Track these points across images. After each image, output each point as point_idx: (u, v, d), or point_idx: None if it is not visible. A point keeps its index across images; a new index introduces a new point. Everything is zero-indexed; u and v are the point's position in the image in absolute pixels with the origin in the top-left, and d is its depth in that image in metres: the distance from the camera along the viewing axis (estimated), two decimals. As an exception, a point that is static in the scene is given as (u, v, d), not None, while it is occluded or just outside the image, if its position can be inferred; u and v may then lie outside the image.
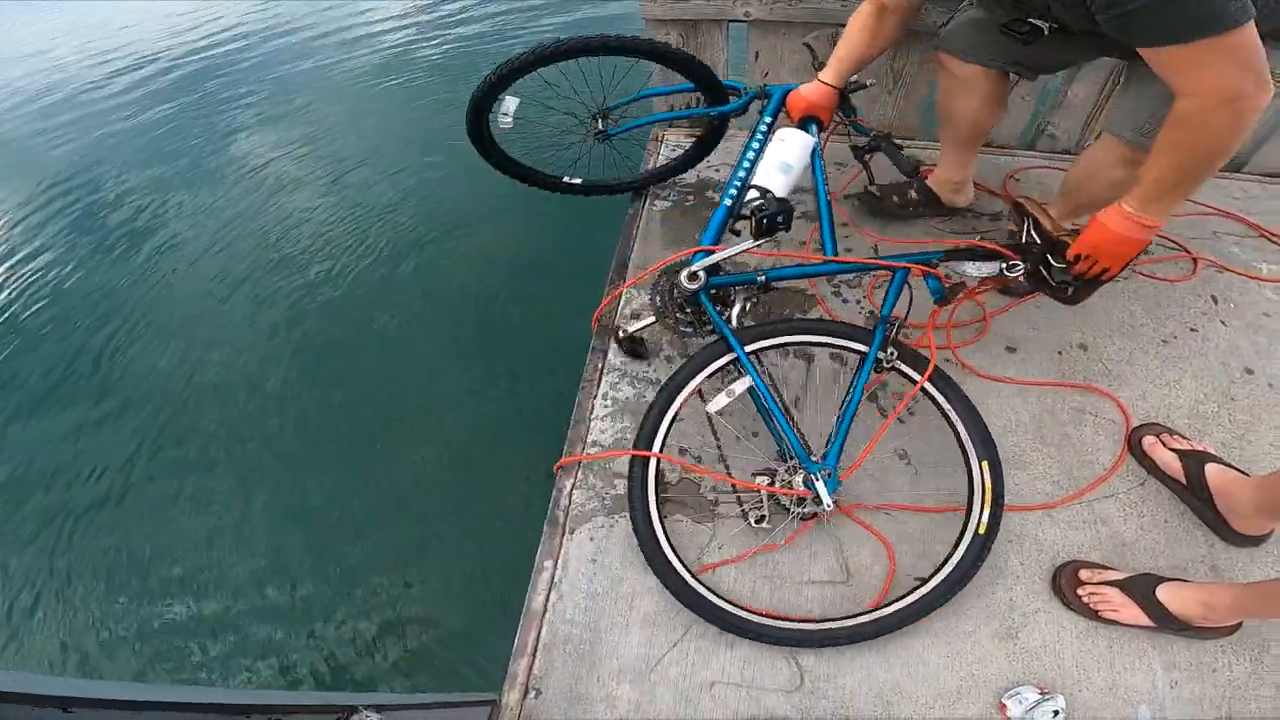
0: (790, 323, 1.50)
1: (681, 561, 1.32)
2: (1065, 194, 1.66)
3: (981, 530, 1.28)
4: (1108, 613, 1.27)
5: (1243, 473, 1.37)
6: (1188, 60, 1.02)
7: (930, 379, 1.36)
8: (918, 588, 1.28)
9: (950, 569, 1.27)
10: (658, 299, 1.53)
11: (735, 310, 1.45)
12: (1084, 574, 1.31)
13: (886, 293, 1.41)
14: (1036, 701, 1.20)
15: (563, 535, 1.43)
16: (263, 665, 2.02)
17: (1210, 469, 1.37)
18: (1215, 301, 1.77)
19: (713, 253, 1.44)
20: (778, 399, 1.40)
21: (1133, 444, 1.50)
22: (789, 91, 1.69)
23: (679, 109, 2.17)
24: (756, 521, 1.39)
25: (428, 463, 2.38)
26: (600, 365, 1.68)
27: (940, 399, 1.37)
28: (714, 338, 1.43)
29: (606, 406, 1.61)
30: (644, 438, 1.39)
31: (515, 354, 2.64)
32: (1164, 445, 1.45)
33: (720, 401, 1.35)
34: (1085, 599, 1.29)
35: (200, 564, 2.24)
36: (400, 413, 2.57)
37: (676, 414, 1.40)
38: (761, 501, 1.40)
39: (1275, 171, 2.15)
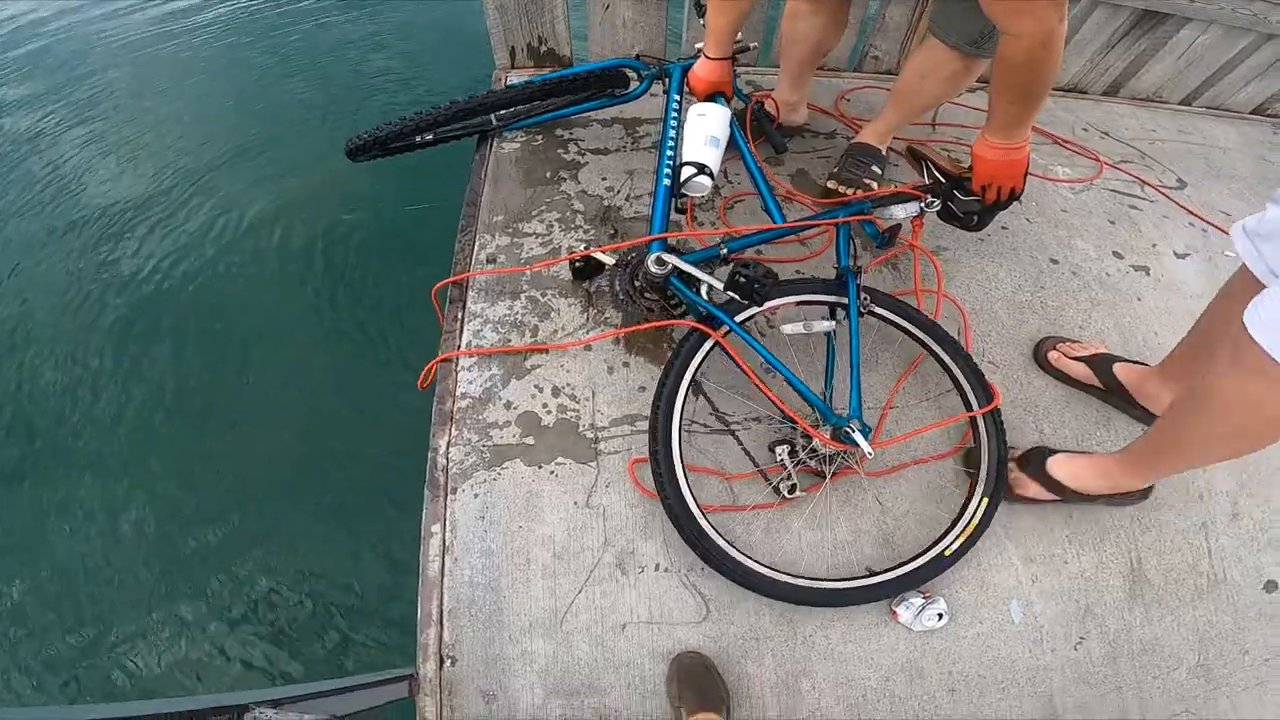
0: (779, 287, 1.45)
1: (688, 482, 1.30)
2: (898, 101, 1.80)
3: (948, 553, 1.32)
4: (1018, 489, 1.40)
5: (1140, 363, 1.55)
6: (1017, 6, 1.12)
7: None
8: (893, 569, 1.31)
9: (896, 574, 1.30)
10: (617, 289, 1.51)
11: (706, 287, 1.38)
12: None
13: (837, 247, 1.50)
14: (922, 606, 1.30)
15: (446, 495, 1.37)
16: (155, 670, 1.87)
17: (1118, 368, 1.54)
18: (1020, 202, 1.99)
19: (666, 240, 1.46)
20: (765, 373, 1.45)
21: (1040, 360, 1.65)
22: (687, 69, 1.73)
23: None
24: (789, 492, 1.39)
25: (294, 438, 2.24)
26: (460, 315, 1.61)
27: (982, 428, 1.43)
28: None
29: (471, 358, 1.56)
30: (660, 425, 1.31)
31: (371, 311, 2.51)
32: (1068, 356, 1.60)
33: (795, 329, 1.39)
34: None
35: (72, 580, 2.01)
36: (255, 389, 2.38)
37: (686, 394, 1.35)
38: (789, 472, 1.38)
39: (1062, 87, 2.47)
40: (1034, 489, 1.40)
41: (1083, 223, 1.98)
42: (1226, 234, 1.96)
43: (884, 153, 1.91)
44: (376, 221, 2.84)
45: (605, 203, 1.86)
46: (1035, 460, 1.40)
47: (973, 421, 1.43)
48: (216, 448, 2.27)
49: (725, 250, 1.44)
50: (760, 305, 1.40)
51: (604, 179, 1.91)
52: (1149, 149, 2.30)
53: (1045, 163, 2.16)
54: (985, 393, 1.43)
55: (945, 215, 1.58)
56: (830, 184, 1.88)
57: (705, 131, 1.51)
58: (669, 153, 1.56)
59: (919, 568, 1.31)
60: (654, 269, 1.37)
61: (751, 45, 1.85)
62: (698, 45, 1.74)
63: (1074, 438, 1.57)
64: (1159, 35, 2.26)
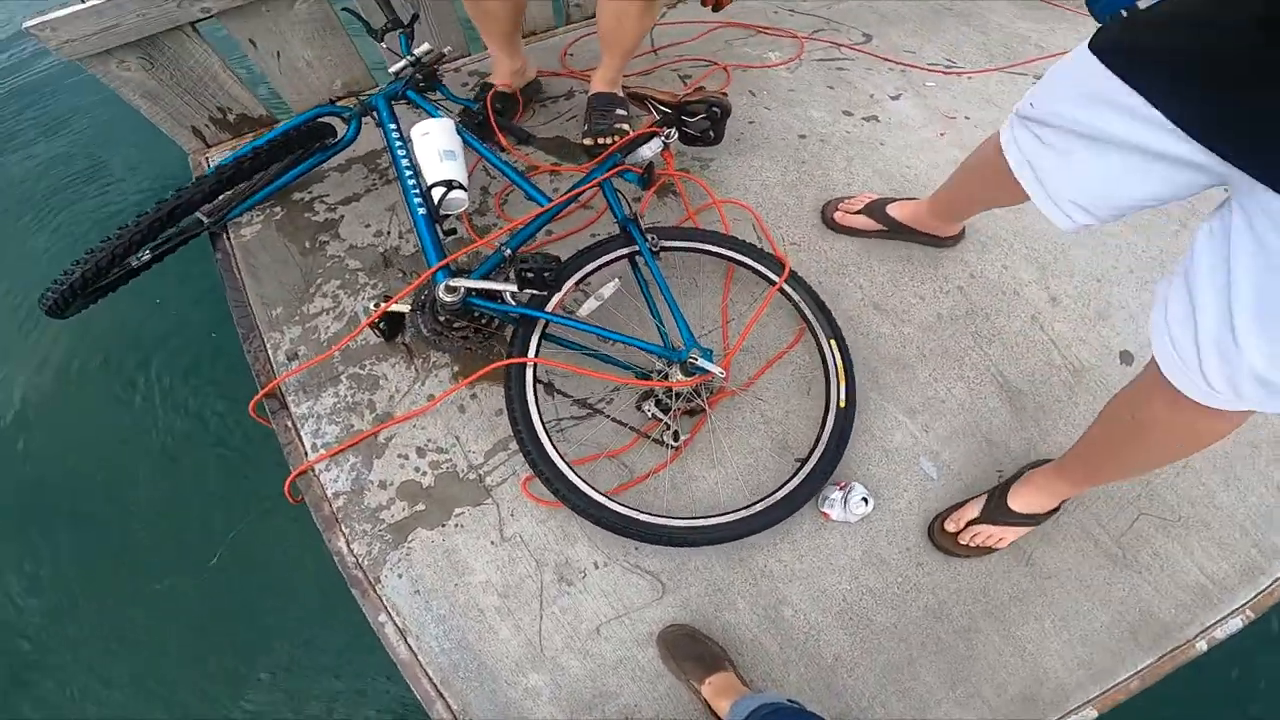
0: (566, 265, 1.47)
1: (583, 479, 1.33)
2: (608, 46, 1.84)
3: (843, 404, 1.43)
4: (997, 544, 1.36)
5: (908, 199, 1.72)
6: None
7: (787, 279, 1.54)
8: (800, 468, 1.39)
9: (821, 448, 1.40)
10: (424, 331, 1.43)
11: (509, 289, 1.37)
12: (949, 524, 1.38)
13: (609, 204, 1.54)
14: (844, 497, 1.36)
15: (372, 586, 1.34)
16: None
17: (891, 209, 1.71)
18: (754, 95, 2.18)
19: (448, 266, 1.41)
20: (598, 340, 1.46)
21: (828, 221, 1.80)
22: (391, 96, 1.67)
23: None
24: (675, 440, 1.42)
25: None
26: (290, 424, 1.50)
27: (792, 294, 1.54)
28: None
29: (323, 452, 1.47)
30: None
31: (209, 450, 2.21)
32: (849, 213, 1.76)
33: (590, 305, 1.41)
34: (970, 543, 1.36)
35: None
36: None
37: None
38: (668, 423, 1.42)
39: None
40: (1009, 534, 1.36)
41: (808, 96, 2.18)
42: (920, 69, 2.30)
43: (621, 94, 1.96)
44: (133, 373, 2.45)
45: (380, 249, 1.77)
46: (996, 509, 1.35)
47: (783, 292, 1.56)
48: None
49: (509, 251, 1.45)
50: (560, 289, 1.43)
51: (367, 225, 1.82)
52: (830, 14, 2.56)
53: (758, 53, 2.35)
54: (776, 264, 1.57)
55: (686, 139, 1.72)
56: (587, 141, 1.92)
57: (436, 148, 1.48)
58: (411, 182, 1.52)
59: (833, 430, 1.41)
60: (447, 299, 1.36)
61: (445, 50, 1.83)
62: (393, 68, 1.71)
63: (885, 283, 1.72)
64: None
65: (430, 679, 1.27)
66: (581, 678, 1.28)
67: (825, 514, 1.41)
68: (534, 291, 1.36)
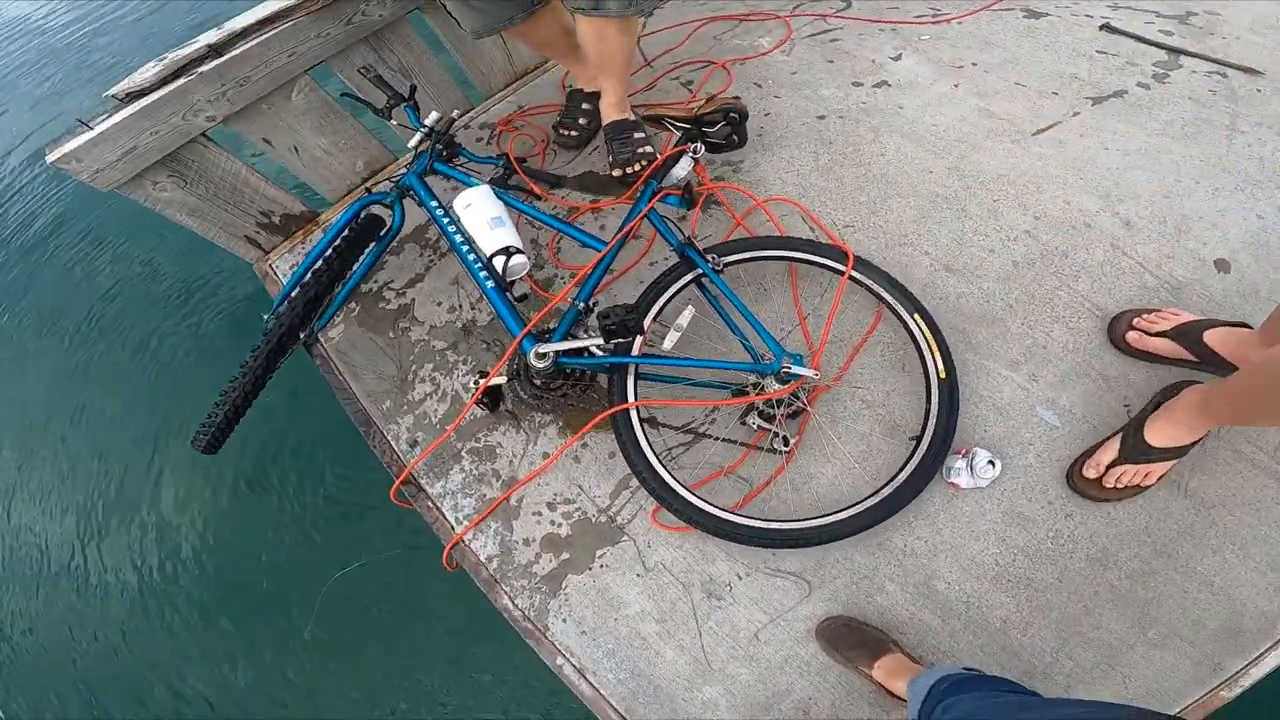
0: (640, 303, 1.56)
1: (708, 501, 1.42)
2: (602, 72, 1.87)
3: (943, 374, 1.45)
4: (1144, 482, 1.33)
5: (1240, 325, 1.37)
6: None
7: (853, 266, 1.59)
8: (916, 445, 1.43)
9: (934, 420, 1.43)
10: (524, 397, 1.54)
11: (594, 344, 1.47)
12: (1088, 470, 1.37)
13: (659, 232, 1.62)
14: (968, 464, 1.38)
15: (544, 634, 1.46)
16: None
17: (1211, 336, 1.37)
18: (760, 86, 2.23)
19: (531, 333, 1.50)
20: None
21: (1118, 342, 1.52)
22: (422, 173, 1.75)
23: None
24: (785, 445, 1.49)
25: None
26: (430, 505, 1.62)
27: (863, 278, 1.59)
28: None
29: (466, 524, 1.60)
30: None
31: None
32: (1149, 334, 1.46)
33: (672, 338, 1.44)
34: (1116, 485, 1.34)
35: None
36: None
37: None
38: (775, 431, 1.48)
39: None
40: (1156, 469, 1.33)
41: (812, 75, 2.23)
42: (909, 24, 2.33)
43: (634, 118, 1.99)
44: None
45: (457, 324, 1.87)
46: (1134, 447, 1.32)
47: (853, 279, 1.61)
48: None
49: (582, 305, 1.54)
50: (642, 332, 1.51)
51: (439, 304, 1.92)
52: (810, -19, 2.61)
53: (748, 42, 2.39)
54: (838, 253, 1.63)
55: (713, 149, 1.78)
56: (615, 173, 1.98)
57: (484, 218, 1.56)
58: (471, 256, 1.59)
59: (940, 402, 1.44)
60: (539, 365, 1.45)
61: (454, 114, 1.90)
62: (410, 144, 1.79)
63: (950, 244, 1.75)
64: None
65: (615, 709, 1.38)
66: (752, 683, 1.37)
67: (954, 484, 1.43)
68: (618, 341, 1.44)
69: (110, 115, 1.72)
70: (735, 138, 1.78)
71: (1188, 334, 1.40)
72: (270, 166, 2.15)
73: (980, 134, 1.97)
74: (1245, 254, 1.62)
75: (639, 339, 1.53)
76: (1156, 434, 1.30)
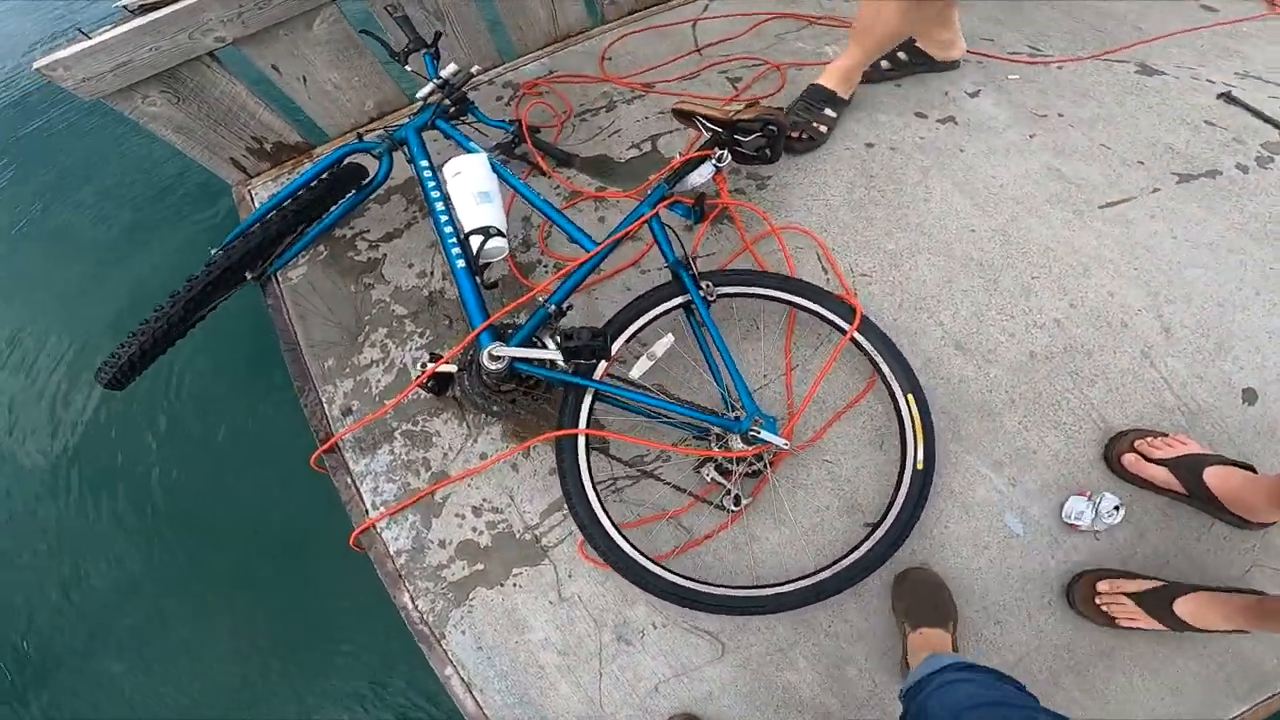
0: (614, 322, 1.55)
1: (636, 548, 1.41)
2: (856, 39, 1.93)
3: (920, 465, 1.44)
4: (1124, 620, 1.34)
5: (1244, 466, 1.37)
6: None
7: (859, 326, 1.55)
8: (870, 533, 1.43)
9: (896, 512, 1.42)
10: (471, 393, 1.51)
11: (554, 358, 1.42)
12: (1102, 586, 1.37)
13: (657, 243, 1.57)
14: (1092, 507, 1.44)
15: (438, 641, 1.48)
16: None
17: (1210, 474, 1.37)
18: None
19: (494, 326, 1.48)
20: (660, 393, 1.52)
21: (1113, 465, 1.51)
22: (421, 127, 1.73)
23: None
24: (736, 504, 1.47)
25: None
26: (350, 481, 1.63)
27: (865, 342, 1.55)
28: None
29: (383, 510, 1.60)
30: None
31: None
32: (1147, 459, 1.45)
33: (643, 365, 1.43)
34: (1107, 609, 1.36)
35: None
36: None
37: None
38: (729, 488, 1.46)
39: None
40: (1154, 625, 1.33)
41: (873, 96, 2.16)
42: (1000, 60, 2.24)
43: (844, 96, 2.03)
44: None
45: (424, 292, 1.88)
46: (1160, 608, 1.31)
47: (854, 341, 1.56)
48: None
49: (553, 306, 1.50)
50: (607, 358, 1.48)
51: (410, 265, 1.92)
52: (900, -8, 2.53)
53: (813, 48, 2.33)
54: (845, 308, 1.57)
55: (741, 159, 1.73)
56: (793, 134, 1.97)
57: (471, 190, 1.53)
58: (448, 229, 1.56)
59: (909, 494, 1.43)
60: (491, 366, 1.42)
61: (474, 69, 1.88)
62: (420, 94, 1.79)
63: (969, 318, 1.71)
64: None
65: None
66: (637, 734, 1.38)
67: (1073, 525, 1.46)
68: (579, 363, 1.43)
69: (115, 27, 1.73)
70: (769, 151, 1.72)
71: (1187, 466, 1.40)
72: (268, 93, 2.15)
73: (1041, 197, 1.91)
74: (1276, 388, 1.58)
75: (603, 362, 1.51)
76: (1189, 610, 1.28)
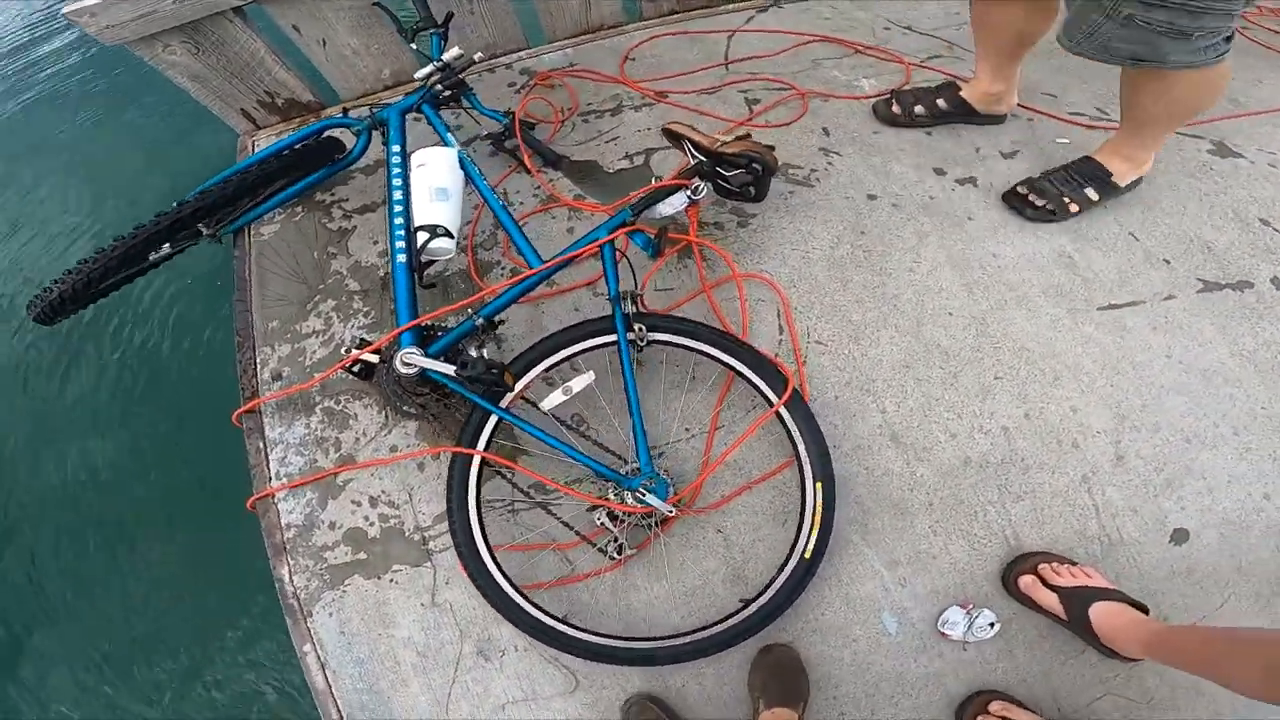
0: (531, 350, 1.54)
1: (506, 577, 1.42)
2: (1136, 126, 1.77)
3: (808, 555, 1.42)
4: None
5: (1137, 605, 1.35)
6: None
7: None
8: (742, 609, 1.42)
9: (771, 594, 1.42)
10: (389, 393, 1.55)
11: (449, 371, 1.44)
12: (994, 706, 1.35)
13: (603, 269, 1.54)
14: (967, 620, 1.44)
15: (304, 619, 1.54)
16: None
17: (1096, 610, 1.35)
18: (828, 134, 2.10)
19: (419, 328, 1.50)
20: (559, 434, 1.51)
21: (1008, 584, 1.48)
22: (405, 110, 1.75)
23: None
24: (619, 553, 1.49)
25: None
26: (261, 446, 1.69)
27: (789, 419, 1.51)
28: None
29: (284, 482, 1.66)
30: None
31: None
32: (1044, 584, 1.42)
33: (555, 399, 1.45)
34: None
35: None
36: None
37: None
38: (615, 536, 1.48)
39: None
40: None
41: (895, 143, 2.07)
42: (1057, 119, 2.10)
43: (1121, 184, 1.86)
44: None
45: (380, 272, 1.91)
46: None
47: (778, 416, 1.52)
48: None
49: (480, 320, 1.49)
50: (511, 389, 1.47)
51: (376, 243, 1.96)
52: (956, 36, 2.39)
53: (849, 78, 2.24)
54: (780, 381, 1.52)
55: (723, 194, 1.69)
56: (1021, 189, 1.90)
57: (428, 185, 1.55)
58: (398, 219, 1.57)
59: (788, 580, 1.43)
60: (402, 370, 1.43)
61: (476, 56, 1.89)
62: (418, 74, 1.81)
63: (916, 409, 1.65)
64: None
65: (339, 710, 1.46)
66: (472, 748, 1.42)
67: (945, 634, 1.45)
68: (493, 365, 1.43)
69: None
70: (753, 190, 1.69)
71: (1080, 598, 1.38)
72: (286, 52, 2.21)
73: (1039, 286, 1.80)
74: (1213, 533, 1.53)
75: (518, 386, 1.50)
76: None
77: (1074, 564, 1.46)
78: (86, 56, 4.21)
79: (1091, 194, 1.86)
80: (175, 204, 1.68)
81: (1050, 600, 1.40)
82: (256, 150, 2.24)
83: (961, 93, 2.04)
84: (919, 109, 2.07)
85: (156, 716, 2.27)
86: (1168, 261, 1.83)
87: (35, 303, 1.60)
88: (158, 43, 1.95)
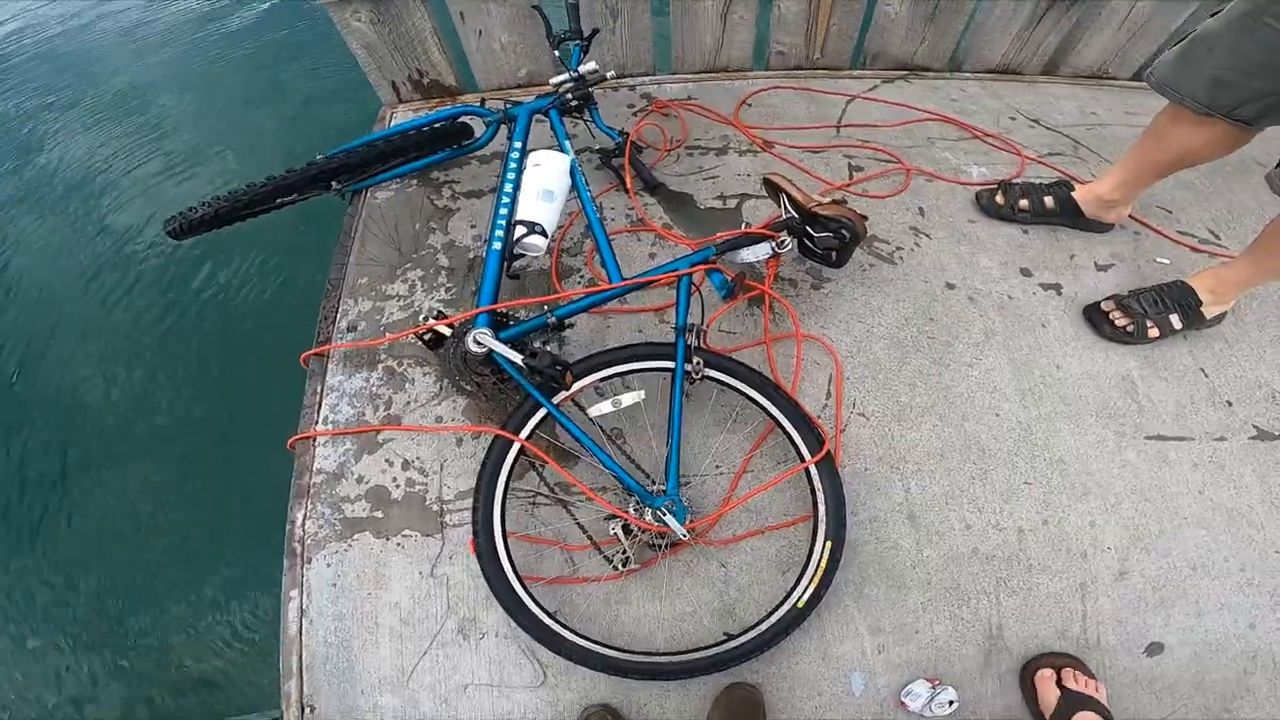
0: (593, 358, 1.66)
1: (512, 563, 1.54)
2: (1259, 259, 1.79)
3: (801, 605, 1.52)
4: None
5: (1096, 710, 1.46)
6: None
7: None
8: (724, 642, 1.52)
9: (755, 634, 1.52)
10: (451, 367, 1.69)
11: (523, 359, 1.56)
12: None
13: (676, 300, 1.68)
14: (929, 697, 1.53)
15: (301, 564, 1.70)
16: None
17: (1042, 677, 1.55)
18: (923, 214, 2.20)
19: (495, 312, 1.66)
20: (599, 440, 1.62)
21: (1026, 670, 1.60)
22: (535, 111, 1.96)
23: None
24: (623, 565, 1.61)
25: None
26: (319, 389, 1.90)
27: (816, 479, 1.61)
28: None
29: (329, 429, 1.85)
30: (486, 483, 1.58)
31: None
32: (1053, 684, 1.53)
33: (604, 408, 1.59)
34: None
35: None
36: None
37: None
38: (624, 548, 1.59)
39: (991, 69, 2.65)
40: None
41: (991, 234, 2.16)
42: (1164, 237, 2.15)
43: (1208, 315, 1.90)
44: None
45: (472, 255, 2.12)
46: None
47: (806, 473, 1.62)
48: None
49: (554, 318, 1.66)
50: (568, 388, 1.62)
51: (473, 227, 2.18)
52: (1085, 136, 2.46)
53: (960, 162, 2.34)
54: (817, 441, 1.62)
55: (806, 253, 1.79)
56: (1106, 304, 1.96)
57: (538, 185, 1.73)
58: (503, 211, 1.75)
59: (774, 625, 1.52)
60: (472, 348, 1.60)
61: (609, 74, 2.09)
62: (553, 80, 2.01)
63: (939, 496, 1.74)
64: (1090, 5, 2.41)
65: (300, 658, 1.60)
66: (426, 719, 1.57)
67: (903, 704, 1.56)
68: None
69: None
70: (835, 255, 1.79)
71: (1074, 701, 1.48)
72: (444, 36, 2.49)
73: (1093, 406, 1.87)
74: (1188, 650, 1.64)
75: (575, 387, 1.65)
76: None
77: (1094, 678, 1.56)
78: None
79: (1175, 321, 1.91)
80: (321, 155, 1.95)
81: (1050, 699, 1.51)
82: (393, 121, 2.52)
83: (1074, 193, 2.09)
84: (1023, 203, 2.14)
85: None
86: (1230, 403, 1.87)
87: (175, 219, 1.86)
88: (348, 7, 2.25)
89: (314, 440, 1.85)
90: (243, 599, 2.65)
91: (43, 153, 4.03)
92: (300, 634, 1.63)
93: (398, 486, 1.79)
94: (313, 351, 1.95)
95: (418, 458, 1.82)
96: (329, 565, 1.70)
